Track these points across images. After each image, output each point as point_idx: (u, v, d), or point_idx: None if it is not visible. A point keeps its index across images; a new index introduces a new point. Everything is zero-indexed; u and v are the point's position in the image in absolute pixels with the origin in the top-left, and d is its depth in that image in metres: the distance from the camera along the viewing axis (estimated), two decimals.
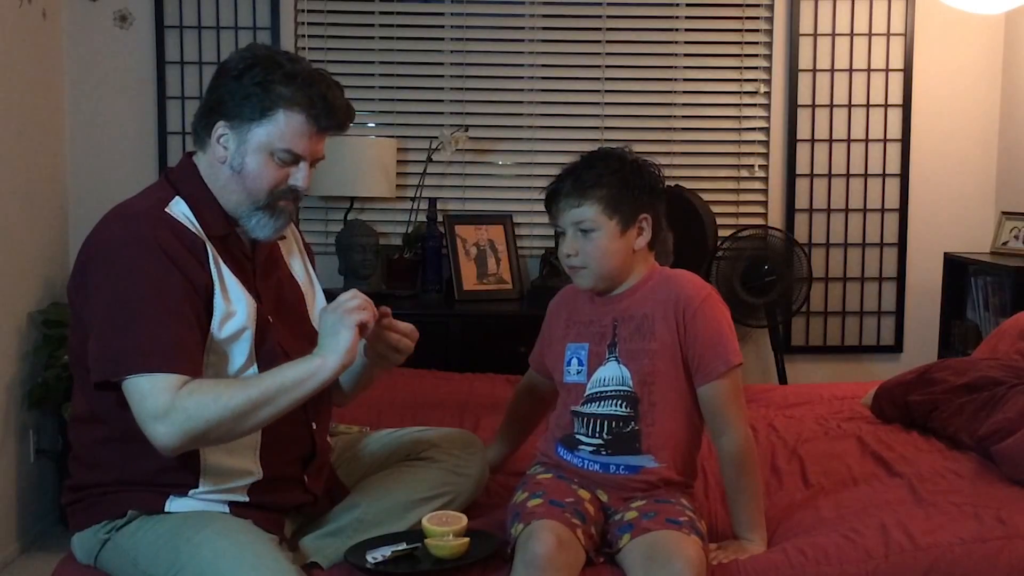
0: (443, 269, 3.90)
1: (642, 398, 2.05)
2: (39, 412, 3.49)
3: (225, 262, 1.91)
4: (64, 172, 3.90)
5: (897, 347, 4.19)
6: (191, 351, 1.81)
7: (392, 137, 3.98)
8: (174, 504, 1.87)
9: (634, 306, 2.10)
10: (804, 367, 4.15)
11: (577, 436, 2.10)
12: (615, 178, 2.05)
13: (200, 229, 1.90)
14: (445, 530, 1.90)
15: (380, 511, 2.05)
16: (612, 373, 2.08)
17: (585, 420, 2.09)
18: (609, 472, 2.07)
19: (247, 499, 1.91)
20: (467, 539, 1.90)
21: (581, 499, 2.03)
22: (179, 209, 1.91)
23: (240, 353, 1.89)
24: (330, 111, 1.91)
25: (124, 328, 1.78)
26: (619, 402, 2.07)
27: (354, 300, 1.82)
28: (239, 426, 1.78)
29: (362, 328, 1.81)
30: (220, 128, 1.90)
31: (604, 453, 2.07)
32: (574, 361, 2.13)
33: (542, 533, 1.87)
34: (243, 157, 1.90)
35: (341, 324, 1.79)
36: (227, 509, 1.89)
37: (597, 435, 2.07)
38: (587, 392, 2.10)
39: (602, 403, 2.08)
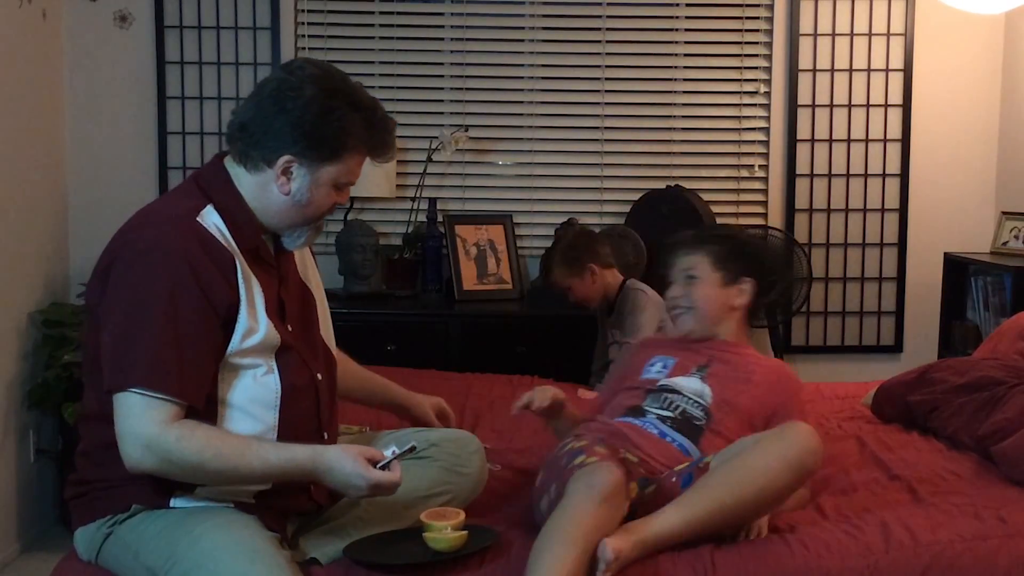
0: (443, 269, 3.89)
1: (716, 419, 2.18)
2: (39, 412, 3.49)
3: (255, 274, 1.91)
4: (64, 172, 3.90)
5: (897, 347, 4.19)
6: (194, 375, 1.81)
7: None
8: (178, 500, 1.88)
9: (730, 356, 2.30)
10: (804, 367, 4.14)
11: (646, 407, 2.22)
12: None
13: (231, 241, 1.88)
14: (443, 524, 1.91)
15: (380, 509, 2.05)
16: (692, 385, 2.24)
17: (661, 397, 2.21)
18: (664, 439, 2.16)
19: (252, 501, 1.91)
20: (465, 532, 1.91)
21: (629, 461, 2.08)
22: (211, 219, 1.88)
23: (260, 365, 1.90)
24: (386, 152, 2.00)
25: (134, 341, 1.78)
26: (695, 404, 2.20)
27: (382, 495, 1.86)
28: (212, 483, 1.85)
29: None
30: (286, 162, 1.89)
31: (669, 424, 2.18)
32: (658, 364, 2.31)
33: (611, 470, 1.91)
34: (311, 192, 1.91)
35: (355, 486, 1.84)
36: (231, 505, 1.89)
37: (668, 409, 2.19)
38: (660, 383, 2.23)
39: (678, 396, 2.21)
